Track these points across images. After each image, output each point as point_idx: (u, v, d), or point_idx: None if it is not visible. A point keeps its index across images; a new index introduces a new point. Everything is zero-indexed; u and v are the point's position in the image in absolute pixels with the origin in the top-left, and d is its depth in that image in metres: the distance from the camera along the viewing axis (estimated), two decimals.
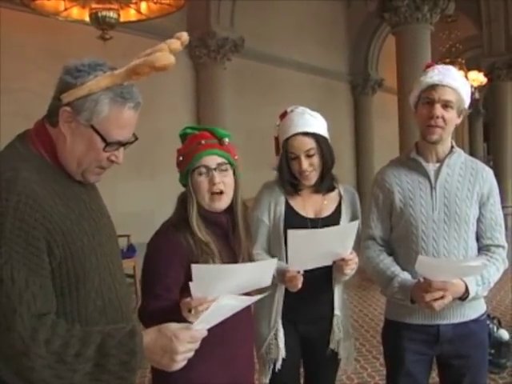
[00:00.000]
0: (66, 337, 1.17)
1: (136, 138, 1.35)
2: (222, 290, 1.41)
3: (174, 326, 1.24)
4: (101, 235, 1.36)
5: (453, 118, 1.94)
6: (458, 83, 1.93)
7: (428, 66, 2.01)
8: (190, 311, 1.45)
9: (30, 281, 1.17)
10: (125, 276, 1.50)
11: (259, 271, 1.56)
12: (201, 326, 1.25)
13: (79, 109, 1.25)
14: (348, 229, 1.90)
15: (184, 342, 1.21)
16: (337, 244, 1.86)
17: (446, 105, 1.91)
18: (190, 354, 1.24)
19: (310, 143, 2.01)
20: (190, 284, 1.41)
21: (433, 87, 1.91)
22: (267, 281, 1.57)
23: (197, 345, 1.24)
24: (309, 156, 2.01)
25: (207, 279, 1.41)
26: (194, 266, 1.40)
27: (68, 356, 1.15)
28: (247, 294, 1.53)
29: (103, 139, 1.27)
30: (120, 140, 1.30)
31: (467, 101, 1.97)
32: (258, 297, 1.49)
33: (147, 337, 1.22)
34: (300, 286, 1.87)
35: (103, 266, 1.34)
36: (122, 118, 1.28)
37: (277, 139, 2.12)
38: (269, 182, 2.16)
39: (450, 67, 2.02)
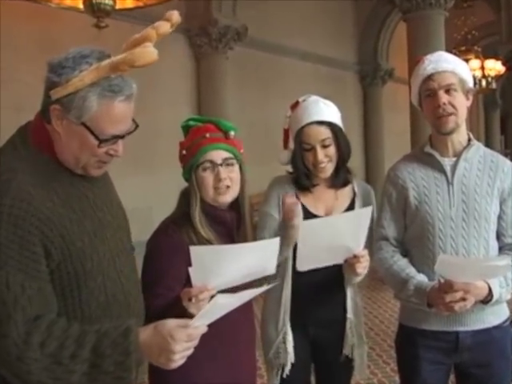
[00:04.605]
0: (62, 338, 1.18)
1: (137, 126, 1.32)
2: (224, 277, 1.42)
3: (170, 323, 1.21)
4: (104, 231, 1.35)
5: (461, 102, 1.87)
6: (454, 64, 1.89)
7: (417, 61, 1.95)
8: (190, 300, 1.44)
9: (26, 285, 1.18)
10: (135, 270, 1.49)
11: (262, 253, 1.52)
12: (199, 322, 1.23)
13: (68, 107, 1.23)
14: (361, 215, 1.81)
15: (180, 341, 1.19)
16: (349, 235, 1.79)
17: (448, 89, 1.85)
18: (189, 352, 1.22)
19: (326, 133, 1.96)
20: (190, 269, 1.39)
21: (429, 77, 1.87)
22: (272, 266, 1.54)
23: (195, 343, 1.23)
24: (324, 146, 1.96)
25: (207, 262, 1.40)
26: (192, 248, 1.38)
27: (64, 358, 1.16)
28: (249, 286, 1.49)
29: (96, 137, 1.24)
30: (115, 134, 1.27)
31: (470, 80, 1.91)
32: (258, 290, 1.43)
33: (143, 334, 1.21)
34: (299, 210, 1.80)
35: (107, 262, 1.34)
36: (114, 112, 1.25)
37: (286, 131, 2.08)
38: (278, 177, 2.11)
39: (441, 52, 1.99)
